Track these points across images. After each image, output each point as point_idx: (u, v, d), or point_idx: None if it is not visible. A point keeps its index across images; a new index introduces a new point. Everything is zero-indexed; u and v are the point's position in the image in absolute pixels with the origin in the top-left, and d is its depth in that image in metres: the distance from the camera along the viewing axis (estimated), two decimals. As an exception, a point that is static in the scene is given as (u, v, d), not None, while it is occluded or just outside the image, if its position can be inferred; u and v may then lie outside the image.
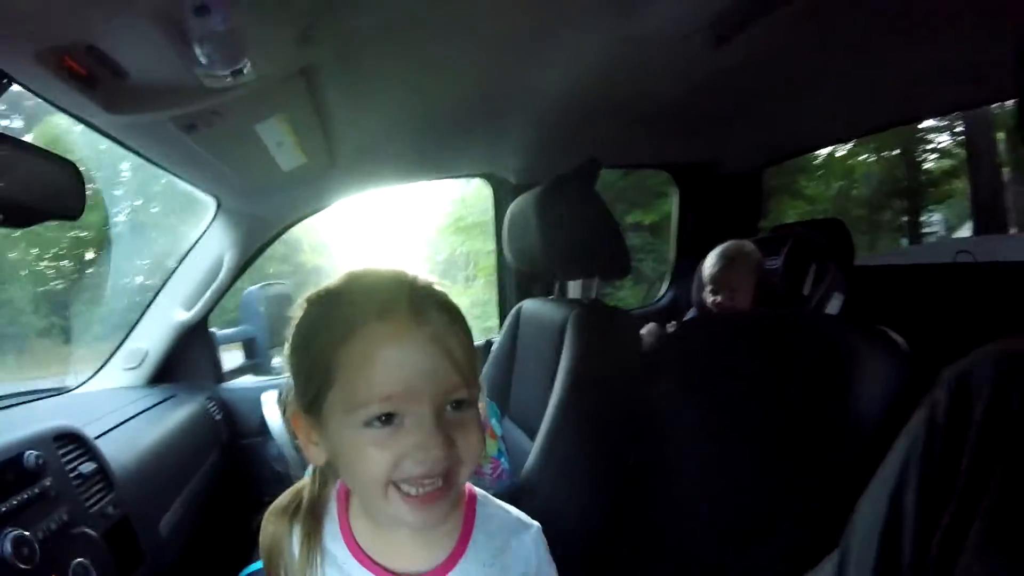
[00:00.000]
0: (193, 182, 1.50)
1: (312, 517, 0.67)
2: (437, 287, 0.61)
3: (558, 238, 1.43)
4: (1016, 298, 1.76)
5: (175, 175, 1.41)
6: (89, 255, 4.98)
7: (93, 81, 0.87)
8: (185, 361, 1.80)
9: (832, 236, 1.80)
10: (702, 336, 1.16)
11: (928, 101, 2.00)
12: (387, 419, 0.56)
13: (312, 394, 0.59)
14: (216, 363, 1.90)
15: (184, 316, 1.70)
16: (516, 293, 2.19)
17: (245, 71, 0.89)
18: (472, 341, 0.61)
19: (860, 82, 1.66)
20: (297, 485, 0.70)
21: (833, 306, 1.60)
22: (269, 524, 0.69)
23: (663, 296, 2.68)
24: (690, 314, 2.05)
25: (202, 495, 1.46)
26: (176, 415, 1.51)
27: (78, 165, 0.89)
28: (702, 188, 2.50)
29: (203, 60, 0.85)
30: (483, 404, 1.43)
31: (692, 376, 1.12)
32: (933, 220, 8.52)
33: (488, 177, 2.20)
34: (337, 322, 0.57)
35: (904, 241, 8.24)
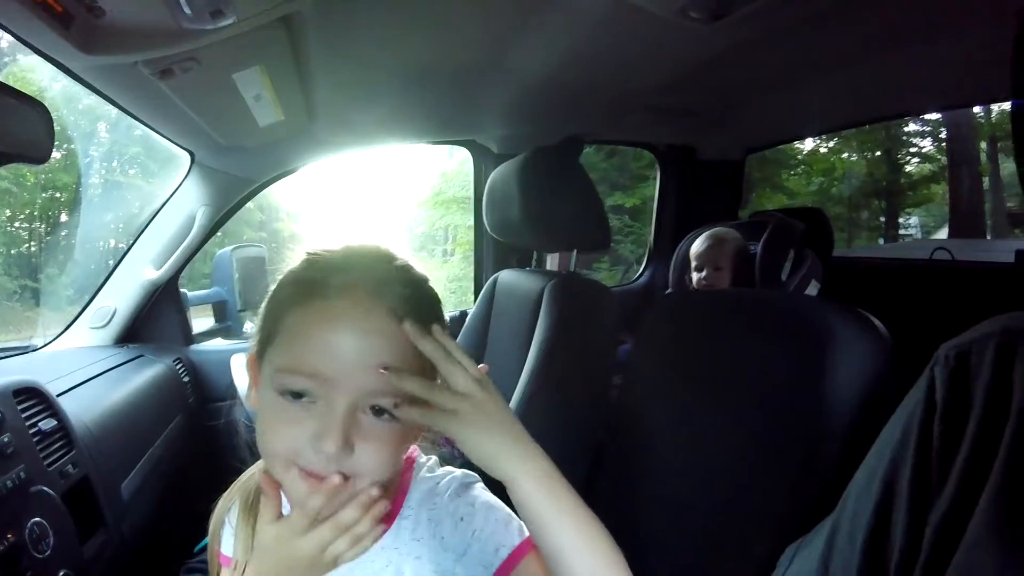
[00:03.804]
0: (167, 134, 1.46)
1: (252, 497, 0.63)
2: (421, 287, 0.60)
3: (539, 209, 1.41)
4: (992, 298, 1.76)
5: (148, 126, 1.37)
6: (63, 217, 4.87)
7: (68, 18, 0.83)
8: (154, 322, 1.76)
9: (811, 224, 1.78)
10: (679, 312, 1.14)
11: (913, 99, 2.01)
12: (297, 396, 0.55)
13: (261, 342, 0.59)
14: (185, 324, 1.85)
15: (154, 275, 1.65)
16: (493, 265, 2.15)
17: (226, 15, 0.86)
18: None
19: (849, 74, 1.66)
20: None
21: (810, 293, 1.61)
22: (219, 502, 0.67)
23: (640, 275, 2.68)
24: None
25: (165, 459, 1.43)
26: (142, 376, 1.48)
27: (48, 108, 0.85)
28: (685, 170, 2.50)
29: (185, 6, 0.82)
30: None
31: (667, 353, 1.09)
32: (911, 222, 8.66)
33: (470, 144, 2.16)
34: (303, 283, 0.57)
35: (881, 240, 8.37)
